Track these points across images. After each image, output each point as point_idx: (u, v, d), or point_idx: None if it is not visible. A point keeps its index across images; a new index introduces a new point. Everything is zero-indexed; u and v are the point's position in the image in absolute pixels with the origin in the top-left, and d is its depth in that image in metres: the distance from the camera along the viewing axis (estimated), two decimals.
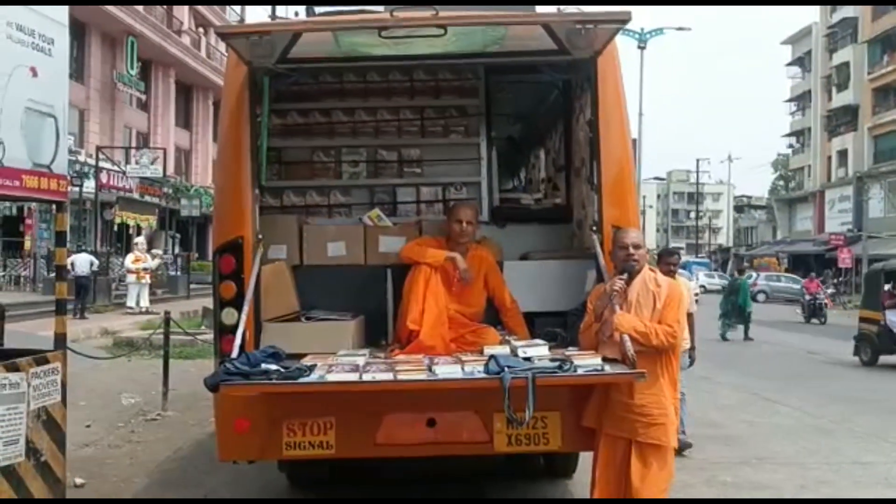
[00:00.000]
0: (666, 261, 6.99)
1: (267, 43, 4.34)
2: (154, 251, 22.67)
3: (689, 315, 6.68)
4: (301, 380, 3.80)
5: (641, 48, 33.47)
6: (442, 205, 5.61)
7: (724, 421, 8.67)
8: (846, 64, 47.90)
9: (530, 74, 5.58)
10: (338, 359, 4.14)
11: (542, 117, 6.74)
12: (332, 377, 3.83)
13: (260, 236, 4.56)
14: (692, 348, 7.18)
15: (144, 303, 19.49)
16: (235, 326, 4.21)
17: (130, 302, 19.49)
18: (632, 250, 4.11)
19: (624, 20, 4.04)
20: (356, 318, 4.78)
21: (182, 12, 36.14)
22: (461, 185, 5.69)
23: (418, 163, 5.76)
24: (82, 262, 18.32)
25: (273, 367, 3.88)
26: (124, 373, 10.76)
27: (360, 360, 4.09)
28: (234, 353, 4.02)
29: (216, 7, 40.79)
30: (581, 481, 5.40)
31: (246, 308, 4.25)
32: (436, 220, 5.28)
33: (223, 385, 3.75)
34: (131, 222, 30.29)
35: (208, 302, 4.45)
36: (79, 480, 5.76)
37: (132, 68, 30.06)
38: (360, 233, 5.19)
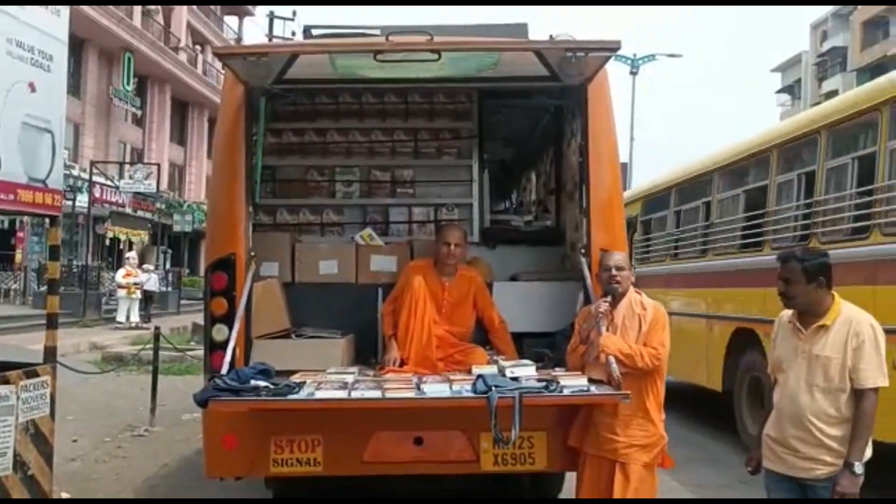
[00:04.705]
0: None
1: (264, 64, 4.41)
2: (145, 266, 22.69)
3: (866, 392, 3.27)
4: (290, 397, 3.84)
5: (634, 73, 33.86)
6: (433, 225, 5.67)
7: (709, 442, 8.67)
8: (835, 92, 48.28)
9: (523, 99, 5.68)
10: (327, 376, 4.18)
11: (534, 141, 6.83)
12: (320, 394, 3.87)
13: (252, 253, 4.60)
14: None
15: (134, 318, 19.55)
16: (226, 343, 4.25)
17: (120, 317, 19.55)
18: (614, 272, 4.17)
19: (613, 48, 4.12)
20: (346, 335, 4.82)
21: (179, 29, 36.32)
22: (453, 206, 5.76)
23: (411, 183, 5.83)
24: (152, 281, 21.63)
25: (262, 383, 3.91)
26: (112, 388, 10.72)
27: (349, 378, 4.13)
28: (224, 370, 4.06)
29: (213, 24, 41.01)
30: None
31: (237, 325, 4.29)
32: (427, 240, 5.33)
33: (213, 401, 3.79)
34: (123, 237, 30.27)
35: (198, 318, 4.50)
36: (65, 495, 5.73)
37: (128, 84, 30.16)
38: (352, 251, 5.24)
